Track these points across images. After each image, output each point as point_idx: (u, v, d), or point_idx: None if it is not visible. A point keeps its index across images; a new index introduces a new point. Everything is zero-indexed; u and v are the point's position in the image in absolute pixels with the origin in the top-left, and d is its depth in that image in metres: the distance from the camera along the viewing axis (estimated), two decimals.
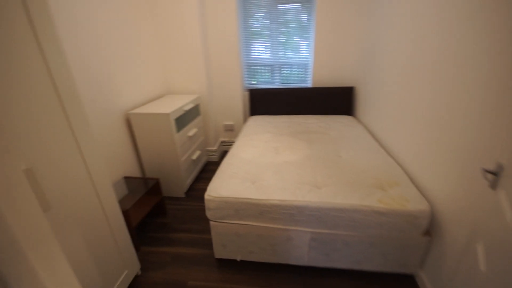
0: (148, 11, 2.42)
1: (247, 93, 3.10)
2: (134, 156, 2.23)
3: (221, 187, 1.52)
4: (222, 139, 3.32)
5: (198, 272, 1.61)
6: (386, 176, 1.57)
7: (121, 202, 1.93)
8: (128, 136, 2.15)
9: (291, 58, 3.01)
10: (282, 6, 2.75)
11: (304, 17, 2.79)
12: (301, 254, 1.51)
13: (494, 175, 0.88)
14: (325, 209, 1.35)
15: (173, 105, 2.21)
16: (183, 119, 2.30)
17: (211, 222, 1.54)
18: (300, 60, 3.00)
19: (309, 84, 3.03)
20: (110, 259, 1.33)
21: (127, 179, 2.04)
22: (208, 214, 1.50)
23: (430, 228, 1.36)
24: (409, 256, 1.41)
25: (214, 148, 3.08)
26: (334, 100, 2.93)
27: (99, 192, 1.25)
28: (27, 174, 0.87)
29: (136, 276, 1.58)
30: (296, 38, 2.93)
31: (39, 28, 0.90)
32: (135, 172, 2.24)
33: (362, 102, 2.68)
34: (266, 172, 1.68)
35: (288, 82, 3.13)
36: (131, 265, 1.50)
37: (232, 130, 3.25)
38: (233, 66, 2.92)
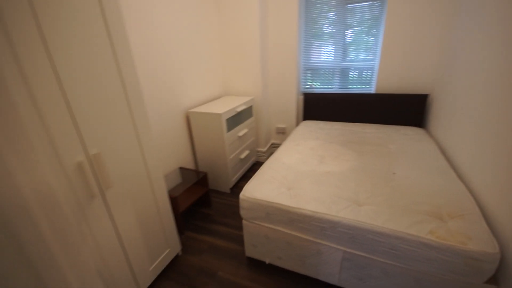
0: (212, 14, 2.64)
1: (302, 97, 3.05)
2: (190, 150, 2.50)
3: (256, 189, 1.56)
4: (273, 141, 3.37)
5: (228, 265, 1.70)
6: (448, 204, 1.31)
7: (174, 189, 2.20)
8: (187, 132, 2.42)
9: (354, 61, 2.80)
10: (350, 6, 2.58)
11: (373, 16, 2.55)
12: (332, 272, 1.41)
13: None
14: (361, 229, 1.23)
15: (227, 106, 2.38)
16: (234, 120, 2.44)
17: (243, 221, 1.60)
18: (365, 64, 2.76)
19: (372, 90, 2.76)
20: (155, 237, 1.54)
21: (182, 169, 2.31)
22: (242, 213, 1.57)
23: (498, 275, 1.07)
24: None
25: (264, 149, 3.15)
26: (402, 109, 2.59)
27: (151, 178, 1.46)
28: (96, 157, 1.10)
29: (177, 256, 1.78)
30: (363, 40, 2.70)
31: (113, 34, 1.12)
32: (189, 165, 2.51)
33: (437, 113, 2.28)
34: (304, 180, 1.63)
35: (349, 86, 2.93)
36: (173, 245, 1.70)
37: (284, 133, 3.25)
38: (289, 69, 2.92)
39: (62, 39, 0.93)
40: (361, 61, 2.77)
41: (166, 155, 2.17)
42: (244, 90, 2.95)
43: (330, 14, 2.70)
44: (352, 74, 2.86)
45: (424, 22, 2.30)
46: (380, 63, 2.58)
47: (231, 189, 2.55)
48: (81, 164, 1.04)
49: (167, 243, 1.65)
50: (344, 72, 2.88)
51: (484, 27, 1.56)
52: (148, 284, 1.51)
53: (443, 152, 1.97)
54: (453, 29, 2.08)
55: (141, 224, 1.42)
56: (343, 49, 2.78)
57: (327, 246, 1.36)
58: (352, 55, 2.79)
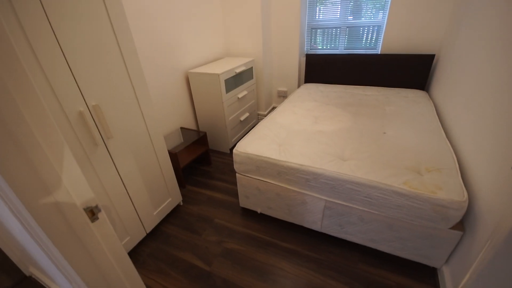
0: None
1: (305, 59, 2.98)
2: (191, 111, 2.58)
3: (249, 145, 1.65)
4: (274, 104, 3.38)
5: (224, 214, 1.88)
6: (429, 161, 1.37)
7: (176, 147, 2.33)
8: (187, 93, 2.48)
9: (362, 20, 2.65)
10: None
11: None
12: (315, 220, 1.55)
13: None
14: (341, 180, 1.32)
15: (226, 67, 2.38)
16: (234, 81, 2.46)
17: (237, 174, 1.72)
18: (372, 22, 2.61)
19: (378, 50, 2.66)
20: (157, 186, 1.70)
21: (182, 129, 2.41)
22: (235, 166, 1.69)
23: (465, 222, 1.17)
24: (433, 248, 1.27)
25: (265, 112, 3.19)
26: (406, 71, 2.51)
27: (151, 134, 1.57)
28: (95, 108, 1.19)
29: (179, 205, 1.97)
30: None
31: None
32: (190, 125, 2.61)
33: (440, 75, 2.21)
34: (296, 138, 1.70)
35: (356, 48, 2.81)
36: (174, 195, 1.88)
37: (285, 97, 3.25)
38: (292, 29, 2.81)
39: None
40: (369, 20, 2.62)
41: (167, 115, 2.26)
42: (245, 51, 2.90)
43: None
44: (358, 35, 2.73)
45: None
46: (388, 21, 2.44)
47: (230, 149, 2.67)
48: (82, 114, 1.14)
49: (169, 193, 1.82)
50: (350, 32, 2.74)
51: None
52: (152, 227, 1.72)
53: (439, 114, 1.96)
54: None
55: (143, 174, 1.57)
56: (351, 7, 2.62)
57: (311, 196, 1.48)
58: (359, 13, 2.63)
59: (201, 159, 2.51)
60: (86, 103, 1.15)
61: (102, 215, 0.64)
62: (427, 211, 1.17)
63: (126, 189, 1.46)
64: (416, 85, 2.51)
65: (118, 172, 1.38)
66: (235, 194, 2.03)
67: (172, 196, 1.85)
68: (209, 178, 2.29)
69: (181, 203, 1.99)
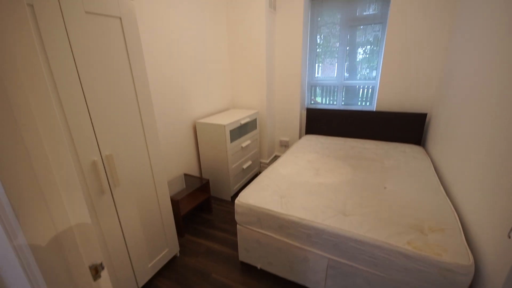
0: (222, 31, 2.87)
1: (305, 112, 3.18)
2: (196, 158, 2.66)
3: (251, 196, 1.67)
4: (276, 153, 3.48)
5: (222, 268, 1.78)
6: (431, 219, 1.36)
7: (178, 193, 2.34)
8: (194, 141, 2.59)
9: (357, 80, 2.93)
10: (352, 26, 2.74)
11: (374, 37, 2.70)
12: (318, 280, 1.47)
13: None
14: (343, 237, 1.30)
15: (232, 118, 2.54)
16: (238, 131, 2.59)
17: (237, 226, 1.70)
18: (367, 82, 2.88)
19: (373, 107, 2.86)
20: (156, 236, 1.67)
21: (186, 176, 2.46)
22: (236, 217, 1.67)
23: (475, 286, 1.11)
24: None
25: (267, 161, 3.26)
26: (401, 127, 2.65)
27: (156, 181, 1.61)
28: (108, 158, 1.26)
29: (175, 257, 1.89)
30: (366, 59, 2.84)
31: (130, 48, 1.31)
32: (194, 172, 2.66)
33: (434, 132, 2.34)
34: (297, 190, 1.73)
35: (352, 104, 3.04)
36: (172, 246, 1.81)
37: (287, 146, 3.37)
38: (294, 85, 3.08)
39: (87, 55, 1.12)
40: (363, 79, 2.89)
41: (172, 161, 2.33)
42: (250, 103, 3.13)
43: (333, 33, 2.87)
44: (354, 92, 2.98)
45: (422, 43, 2.41)
46: (381, 82, 2.69)
47: (232, 197, 2.66)
48: (96, 163, 1.20)
49: (167, 243, 1.77)
50: (347, 89, 3.00)
51: (478, 47, 1.65)
52: (146, 280, 1.62)
53: (437, 170, 2.01)
54: (450, 50, 2.18)
55: (143, 222, 1.56)
56: (346, 68, 2.92)
57: (313, 253, 1.43)
58: (354, 73, 2.92)
59: (202, 206, 2.48)
60: (100, 153, 1.23)
61: (104, 273, 0.64)
62: (434, 276, 1.13)
63: (124, 240, 1.43)
64: (413, 140, 2.62)
65: (119, 221, 1.38)
66: (235, 246, 1.96)
67: (169, 247, 1.79)
68: (209, 227, 2.24)
69: (178, 254, 1.91)
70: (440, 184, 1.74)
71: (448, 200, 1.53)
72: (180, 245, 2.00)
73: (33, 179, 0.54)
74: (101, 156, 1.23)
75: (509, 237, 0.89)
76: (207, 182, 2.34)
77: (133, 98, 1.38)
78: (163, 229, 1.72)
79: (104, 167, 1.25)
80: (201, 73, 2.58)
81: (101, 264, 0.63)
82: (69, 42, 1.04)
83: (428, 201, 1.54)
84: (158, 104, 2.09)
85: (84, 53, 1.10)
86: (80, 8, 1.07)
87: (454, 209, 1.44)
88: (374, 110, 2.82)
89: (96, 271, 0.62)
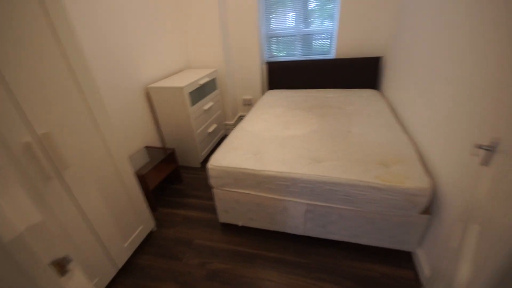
0: None
1: (266, 66, 3.05)
2: (155, 127, 2.42)
3: (223, 158, 1.60)
4: (241, 113, 3.38)
5: (203, 232, 1.78)
6: (392, 153, 1.48)
7: (142, 168, 2.16)
8: (149, 109, 2.32)
9: (314, 28, 2.81)
10: None
11: None
12: (297, 224, 1.56)
13: (488, 151, 0.79)
14: (319, 182, 1.36)
15: (189, 79, 2.30)
16: (198, 93, 2.39)
17: (214, 190, 1.65)
18: (324, 29, 2.79)
19: (332, 56, 2.84)
20: (126, 215, 1.54)
21: (148, 148, 2.25)
22: (211, 181, 1.62)
23: (431, 206, 1.29)
24: (408, 233, 1.37)
25: (232, 122, 3.16)
26: (359, 72, 2.72)
27: (114, 157, 1.42)
28: (45, 137, 1.04)
29: (152, 232, 1.81)
30: (323, 7, 2.70)
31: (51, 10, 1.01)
32: (156, 143, 2.45)
33: (388, 74, 2.45)
34: (270, 145, 1.71)
35: (312, 54, 2.97)
36: (146, 222, 1.72)
37: (251, 105, 3.27)
38: (251, 39, 2.85)
39: None
40: (322, 27, 2.80)
41: (130, 135, 2.08)
42: (206, 62, 2.86)
43: None
44: (314, 41, 2.89)
45: None
46: (339, 29, 2.63)
47: (202, 163, 2.57)
48: (30, 145, 0.98)
49: (140, 220, 1.66)
50: (306, 39, 2.89)
51: None
52: (125, 260, 1.55)
53: (393, 110, 2.17)
54: None
55: (108, 204, 1.40)
56: (304, 16, 2.77)
57: (292, 201, 1.49)
58: (313, 22, 2.79)
59: (171, 178, 2.36)
60: (34, 132, 0.99)
61: (73, 265, 0.54)
62: (400, 201, 1.26)
63: (91, 225, 1.28)
64: (369, 85, 2.74)
65: (78, 207, 1.21)
66: (213, 210, 1.94)
67: (143, 223, 1.70)
68: (182, 196, 2.16)
69: (155, 229, 1.84)
70: (397, 122, 1.88)
71: (405, 135, 1.68)
72: (156, 219, 1.92)
73: None
74: (34, 136, 1.00)
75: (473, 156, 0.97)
76: (172, 152, 2.18)
77: (63, 65, 1.10)
78: (133, 206, 1.59)
79: (44, 148, 1.03)
80: (148, 32, 2.20)
81: (65, 257, 0.52)
82: None
83: (388, 138, 1.66)
84: (101, 71, 1.75)
85: None
86: None
87: (411, 143, 1.59)
88: (334, 57, 2.81)
89: (61, 266, 0.51)
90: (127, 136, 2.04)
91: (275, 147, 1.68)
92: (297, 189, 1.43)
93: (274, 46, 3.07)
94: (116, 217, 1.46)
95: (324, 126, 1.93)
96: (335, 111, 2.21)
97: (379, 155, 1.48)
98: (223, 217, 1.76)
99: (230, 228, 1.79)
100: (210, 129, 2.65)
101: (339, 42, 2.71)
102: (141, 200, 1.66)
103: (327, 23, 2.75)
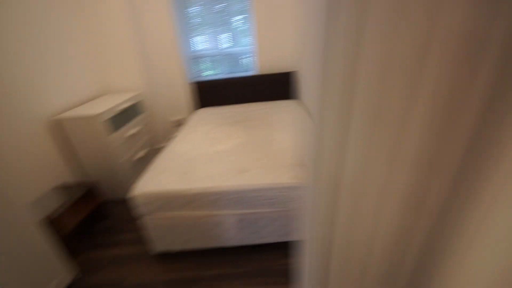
0: (75, 8, 2.28)
1: (193, 86, 3.08)
2: (72, 162, 2.14)
3: (147, 183, 1.54)
4: (174, 135, 3.29)
5: (137, 268, 1.64)
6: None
7: (56, 210, 1.87)
8: (60, 142, 2.05)
9: (238, 47, 3.01)
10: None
11: (244, 7, 2.78)
12: (232, 236, 1.59)
13: None
14: (244, 191, 1.43)
15: (106, 105, 2.15)
16: (120, 119, 2.24)
17: (144, 217, 1.56)
18: (246, 48, 3.01)
19: (257, 71, 3.06)
20: (31, 272, 1.31)
21: (64, 186, 1.97)
22: (140, 210, 1.52)
23: None
24: None
25: (164, 145, 3.04)
26: (280, 86, 2.99)
27: (4, 209, 1.20)
28: None
29: (74, 282, 1.57)
30: (240, 28, 2.92)
31: None
32: (76, 178, 2.17)
33: (303, 85, 2.78)
34: (197, 163, 1.72)
35: (238, 71, 3.14)
36: (62, 273, 1.49)
37: (182, 125, 3.22)
38: (174, 60, 2.86)
39: None
40: (244, 46, 3.01)
41: (32, 176, 1.79)
42: (128, 85, 2.72)
43: (200, 5, 2.78)
44: (240, 59, 3.09)
45: (285, 10, 2.68)
46: (258, 47, 2.86)
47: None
48: None
49: (52, 273, 1.43)
50: (232, 58, 3.07)
51: None
52: None
53: (312, 117, 2.45)
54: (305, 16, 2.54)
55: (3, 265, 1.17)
56: (229, 36, 2.94)
57: (223, 215, 1.51)
58: (238, 41, 2.98)
59: (95, 215, 2.11)
60: None
61: None
62: None
63: None
64: (290, 96, 3.04)
65: None
66: (146, 242, 1.81)
67: (59, 275, 1.46)
68: (110, 234, 1.95)
69: (79, 276, 1.60)
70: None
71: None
72: (81, 264, 1.67)
73: None
74: None
75: None
76: (92, 186, 1.97)
77: None
78: (37, 261, 1.36)
79: None
80: (53, 56, 2.01)
81: None
82: None
83: (305, 141, 1.87)
84: None
85: None
86: None
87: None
88: (257, 74, 3.04)
89: None
90: (28, 178, 1.75)
91: (202, 164, 1.70)
92: (226, 202, 1.46)
93: (202, 66, 3.15)
94: (17, 278, 1.23)
95: (250, 137, 2.05)
96: (259, 122, 2.37)
97: (297, 157, 1.66)
98: (158, 246, 1.65)
99: (166, 257, 1.69)
100: (139, 155, 2.50)
101: (260, 59, 2.95)
102: (49, 251, 1.43)
103: (248, 41, 2.98)
